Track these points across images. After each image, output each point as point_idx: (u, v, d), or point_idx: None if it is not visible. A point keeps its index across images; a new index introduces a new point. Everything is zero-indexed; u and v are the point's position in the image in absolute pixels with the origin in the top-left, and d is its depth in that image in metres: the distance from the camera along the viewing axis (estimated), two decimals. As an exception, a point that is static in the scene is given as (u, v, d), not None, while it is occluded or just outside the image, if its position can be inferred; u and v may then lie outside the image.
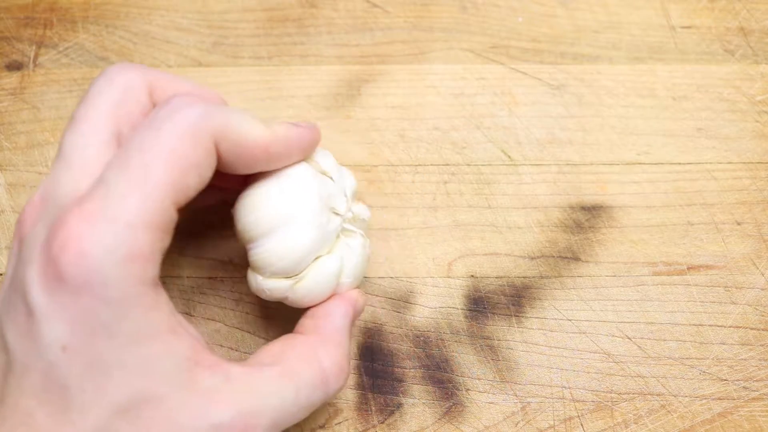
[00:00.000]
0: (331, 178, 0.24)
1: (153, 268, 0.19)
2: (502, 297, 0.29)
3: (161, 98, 0.22)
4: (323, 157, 0.24)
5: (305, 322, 0.24)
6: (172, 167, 0.19)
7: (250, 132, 0.21)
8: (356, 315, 0.25)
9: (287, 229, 0.22)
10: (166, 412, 0.19)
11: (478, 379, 0.27)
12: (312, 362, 0.22)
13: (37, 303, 0.18)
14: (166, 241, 0.20)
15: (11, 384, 0.19)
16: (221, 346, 0.28)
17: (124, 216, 0.18)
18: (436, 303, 0.29)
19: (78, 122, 0.21)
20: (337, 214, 0.24)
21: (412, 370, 0.27)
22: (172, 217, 0.19)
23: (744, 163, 0.32)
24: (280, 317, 0.28)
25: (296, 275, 0.23)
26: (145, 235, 0.18)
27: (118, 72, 0.22)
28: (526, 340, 0.28)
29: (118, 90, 0.21)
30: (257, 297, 0.29)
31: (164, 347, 0.19)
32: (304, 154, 0.23)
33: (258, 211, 0.22)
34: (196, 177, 0.20)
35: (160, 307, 0.19)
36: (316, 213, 0.23)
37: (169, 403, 0.19)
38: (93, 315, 0.18)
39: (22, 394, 0.19)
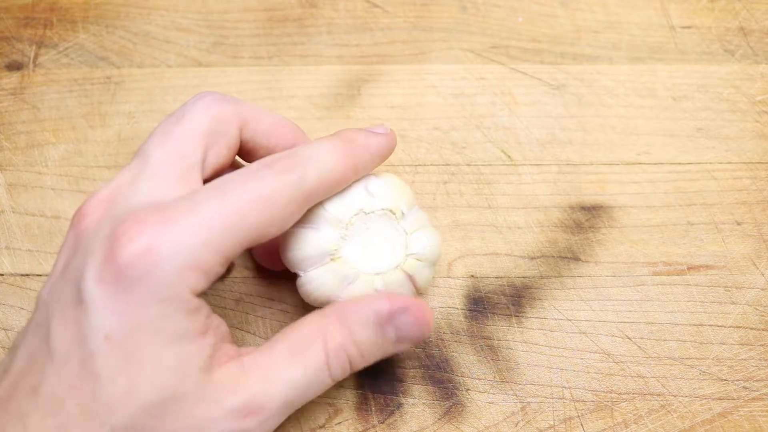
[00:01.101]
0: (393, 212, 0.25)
1: (206, 281, 0.20)
2: (502, 297, 0.29)
3: (250, 134, 0.24)
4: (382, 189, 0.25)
5: (340, 302, 0.23)
6: (262, 214, 0.20)
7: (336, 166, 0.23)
8: (394, 319, 0.23)
9: (324, 265, 0.24)
10: (186, 409, 0.19)
11: (478, 379, 0.27)
12: (317, 338, 0.22)
13: (89, 291, 0.19)
14: (223, 269, 0.21)
15: (49, 373, 0.19)
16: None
17: (204, 234, 0.19)
18: (436, 303, 0.29)
19: (171, 140, 0.22)
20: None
21: (412, 370, 0.27)
22: (237, 252, 0.21)
23: (744, 163, 0.32)
24: (280, 317, 0.28)
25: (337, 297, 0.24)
26: (212, 257, 0.20)
27: (215, 101, 0.23)
28: (526, 340, 0.28)
29: (214, 120, 0.23)
30: (257, 297, 0.29)
31: (195, 349, 0.20)
32: (381, 161, 0.25)
33: (299, 250, 0.24)
34: (277, 229, 0.21)
35: (200, 311, 0.20)
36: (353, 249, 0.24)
37: (189, 400, 0.19)
38: (142, 309, 0.19)
39: (58, 382, 0.19)
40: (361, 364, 0.23)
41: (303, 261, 0.24)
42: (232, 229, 0.20)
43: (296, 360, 0.21)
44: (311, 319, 0.22)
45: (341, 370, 0.22)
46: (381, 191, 0.24)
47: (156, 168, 0.21)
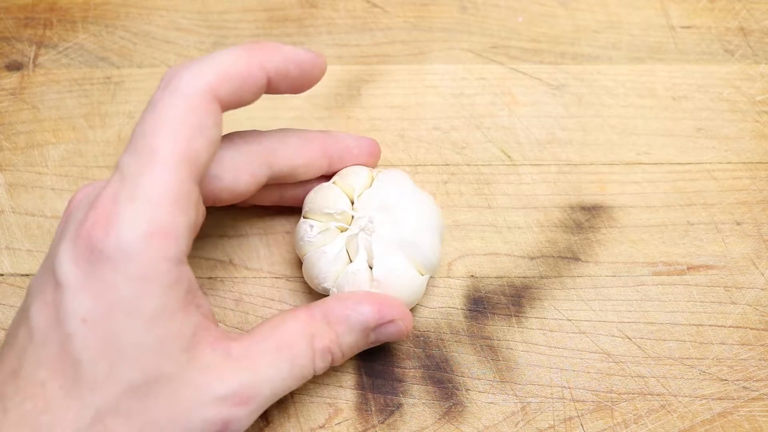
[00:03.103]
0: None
1: (176, 245, 0.20)
2: (502, 297, 0.29)
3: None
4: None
5: (328, 300, 0.24)
6: (173, 139, 0.20)
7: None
8: (379, 329, 0.24)
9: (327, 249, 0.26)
10: (172, 389, 0.19)
11: (478, 379, 0.27)
12: (305, 338, 0.23)
13: (64, 274, 0.19)
14: (190, 215, 0.20)
15: (29, 355, 0.19)
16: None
17: (140, 194, 0.19)
18: (436, 303, 0.29)
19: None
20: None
21: (412, 370, 0.27)
22: (191, 189, 0.20)
23: (744, 163, 0.32)
24: (280, 317, 0.28)
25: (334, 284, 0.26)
26: (165, 209, 0.19)
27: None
28: (526, 340, 0.28)
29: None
30: (257, 297, 0.29)
31: (175, 326, 0.20)
32: (303, 75, 0.24)
33: (320, 272, 0.26)
34: (203, 140, 0.20)
35: (178, 285, 0.20)
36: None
37: (174, 381, 0.19)
38: (114, 290, 0.19)
39: (38, 365, 0.19)
40: (340, 361, 0.24)
41: (326, 276, 0.26)
42: (160, 173, 0.19)
43: (284, 355, 0.22)
44: (299, 317, 0.23)
45: (323, 366, 0.23)
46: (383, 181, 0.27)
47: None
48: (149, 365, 0.19)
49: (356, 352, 0.25)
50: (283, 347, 0.22)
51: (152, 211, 0.19)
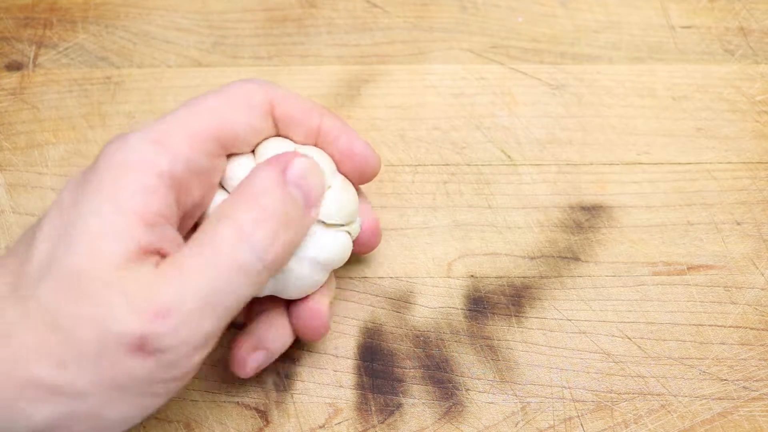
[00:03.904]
0: None
1: (165, 162, 0.20)
2: (502, 297, 0.29)
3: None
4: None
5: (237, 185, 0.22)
6: (215, 116, 0.22)
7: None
8: (286, 174, 0.21)
9: None
10: (94, 291, 0.18)
11: (478, 379, 0.27)
12: (225, 222, 0.20)
13: (65, 185, 0.20)
14: (191, 152, 0.21)
15: (11, 248, 0.20)
16: (220, 345, 0.28)
17: (169, 122, 0.21)
18: (436, 303, 0.29)
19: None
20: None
21: (412, 370, 0.27)
22: (201, 139, 0.21)
23: (744, 163, 0.32)
24: (280, 317, 0.28)
25: None
26: (179, 134, 0.21)
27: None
28: (526, 340, 0.28)
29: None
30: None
31: (125, 225, 0.19)
32: None
33: None
34: (243, 117, 0.22)
35: (156, 194, 0.20)
36: None
37: (100, 282, 0.18)
38: (94, 178, 0.19)
39: (7, 252, 0.20)
40: (285, 234, 0.20)
41: None
42: (195, 118, 0.21)
43: (207, 249, 0.19)
44: (212, 215, 0.20)
45: (264, 243, 0.20)
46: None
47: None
48: (84, 253, 0.18)
49: (298, 222, 0.21)
50: (204, 244, 0.19)
51: (162, 127, 0.21)
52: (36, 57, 0.35)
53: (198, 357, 0.19)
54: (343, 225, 0.24)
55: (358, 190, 0.26)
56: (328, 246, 0.24)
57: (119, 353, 0.18)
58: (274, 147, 0.24)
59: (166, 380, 0.19)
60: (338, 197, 0.24)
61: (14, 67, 0.35)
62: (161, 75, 0.35)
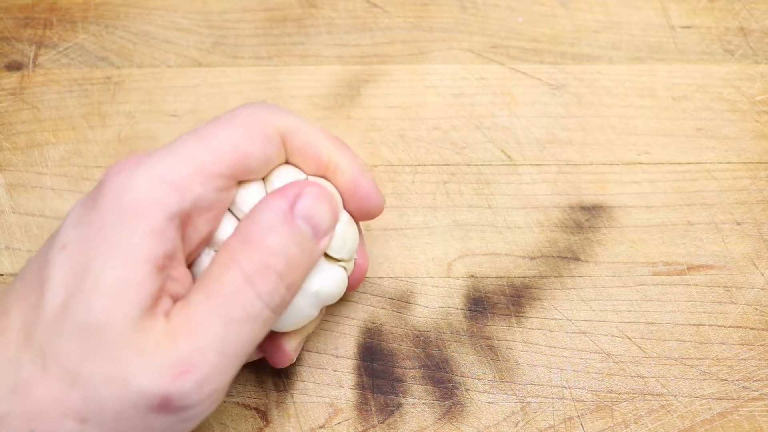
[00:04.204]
0: None
1: (177, 201, 0.19)
2: (502, 297, 0.29)
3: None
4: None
5: (237, 225, 0.21)
6: (229, 150, 0.20)
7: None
8: (295, 209, 0.21)
9: None
10: (115, 346, 0.18)
11: (478, 379, 0.27)
12: (231, 268, 0.19)
13: (67, 215, 0.20)
14: (203, 190, 0.20)
15: (12, 285, 0.20)
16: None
17: (179, 154, 0.20)
18: (436, 303, 0.29)
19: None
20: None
21: (412, 370, 0.27)
22: (215, 175, 0.20)
23: (744, 163, 0.32)
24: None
25: None
26: (187, 171, 0.20)
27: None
28: (526, 340, 0.28)
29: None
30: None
31: (139, 275, 0.18)
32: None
33: None
34: (258, 155, 0.21)
35: (163, 238, 0.19)
36: None
37: (119, 336, 0.18)
38: (101, 218, 0.19)
39: (11, 292, 0.19)
40: (291, 275, 0.20)
41: None
42: (207, 151, 0.20)
43: (216, 299, 0.19)
44: (219, 256, 0.20)
45: (270, 288, 0.19)
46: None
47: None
48: (102, 308, 0.18)
49: (304, 257, 0.21)
50: (212, 293, 0.19)
51: (172, 162, 0.19)
52: (36, 57, 0.35)
53: (217, 404, 0.20)
54: (343, 261, 0.24)
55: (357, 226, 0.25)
56: (329, 280, 0.23)
57: (142, 412, 0.18)
58: (285, 176, 0.23)
59: (184, 429, 0.19)
60: (345, 231, 0.23)
61: (14, 67, 0.35)
62: (161, 75, 0.35)
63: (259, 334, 0.20)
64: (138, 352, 0.18)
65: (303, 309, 0.23)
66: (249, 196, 0.22)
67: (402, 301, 0.29)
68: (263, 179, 0.23)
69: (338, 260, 0.24)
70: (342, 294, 0.24)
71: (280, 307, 0.20)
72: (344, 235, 0.23)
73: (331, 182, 0.24)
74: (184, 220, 0.20)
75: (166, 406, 0.18)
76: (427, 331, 0.28)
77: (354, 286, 0.26)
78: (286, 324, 0.23)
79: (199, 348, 0.18)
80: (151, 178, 0.19)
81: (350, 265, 0.25)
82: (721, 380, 0.27)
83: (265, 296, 0.19)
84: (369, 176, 0.24)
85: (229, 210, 0.22)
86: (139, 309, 0.18)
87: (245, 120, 0.21)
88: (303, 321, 0.23)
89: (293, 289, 0.21)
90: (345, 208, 0.24)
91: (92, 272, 0.18)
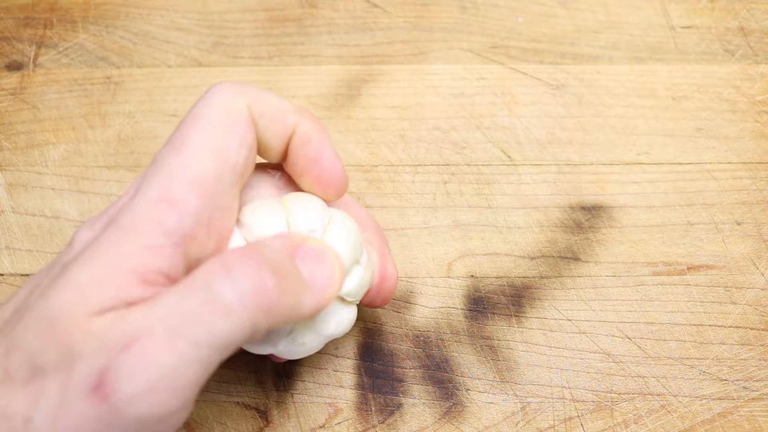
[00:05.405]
0: None
1: (175, 219, 0.19)
2: (502, 297, 0.29)
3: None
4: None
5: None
6: (204, 153, 0.20)
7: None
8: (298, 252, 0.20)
9: None
10: (64, 335, 0.17)
11: (478, 379, 0.27)
12: (215, 258, 0.18)
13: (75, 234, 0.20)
14: (205, 207, 0.20)
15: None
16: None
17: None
18: (436, 303, 0.29)
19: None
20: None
21: (412, 370, 0.27)
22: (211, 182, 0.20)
23: (744, 163, 0.32)
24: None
25: None
26: (184, 189, 0.19)
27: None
28: (526, 340, 0.28)
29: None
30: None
31: (118, 284, 0.18)
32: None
33: None
34: (239, 143, 0.21)
35: (157, 254, 0.18)
36: None
37: (70, 327, 0.17)
38: (99, 239, 0.19)
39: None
40: (275, 280, 0.18)
41: None
42: (187, 162, 0.20)
43: (184, 281, 0.18)
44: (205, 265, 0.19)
45: (250, 285, 0.18)
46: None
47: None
48: (64, 300, 0.18)
49: (292, 281, 0.19)
50: (185, 282, 0.18)
51: (170, 182, 0.19)
52: (36, 57, 0.35)
53: (170, 422, 0.17)
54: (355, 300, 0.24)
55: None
56: (344, 324, 0.23)
57: (81, 400, 0.17)
58: (306, 207, 0.22)
59: None
60: (362, 275, 0.23)
61: (14, 67, 0.35)
62: (161, 75, 0.35)
63: (225, 328, 0.17)
64: (88, 333, 0.17)
65: (312, 347, 0.23)
66: (262, 224, 0.22)
67: (402, 301, 0.29)
68: (280, 202, 0.23)
69: (351, 302, 0.24)
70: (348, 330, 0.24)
71: (257, 317, 0.18)
72: (362, 279, 0.23)
73: (296, 152, 0.23)
74: (186, 240, 0.19)
75: (101, 386, 0.16)
76: (427, 331, 0.28)
77: (387, 299, 0.25)
78: (293, 354, 0.23)
79: (150, 324, 0.17)
80: (147, 201, 0.19)
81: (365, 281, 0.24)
82: (721, 380, 0.27)
83: (241, 288, 0.18)
84: (334, 150, 0.24)
85: (237, 228, 0.22)
86: (101, 306, 0.17)
87: (212, 113, 0.21)
88: (307, 353, 0.24)
89: (282, 292, 0.19)
90: (306, 180, 0.23)
91: (70, 273, 0.18)
